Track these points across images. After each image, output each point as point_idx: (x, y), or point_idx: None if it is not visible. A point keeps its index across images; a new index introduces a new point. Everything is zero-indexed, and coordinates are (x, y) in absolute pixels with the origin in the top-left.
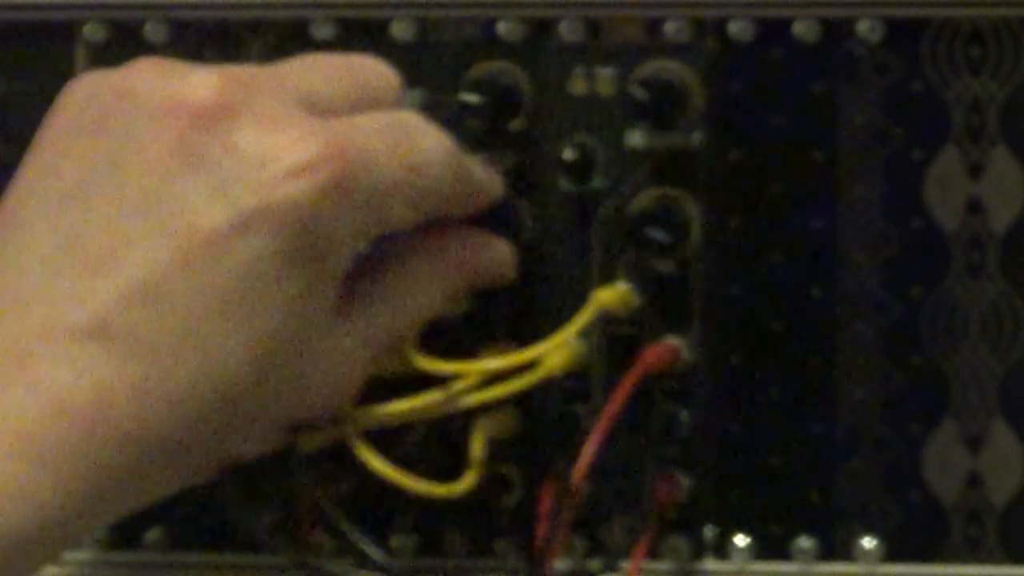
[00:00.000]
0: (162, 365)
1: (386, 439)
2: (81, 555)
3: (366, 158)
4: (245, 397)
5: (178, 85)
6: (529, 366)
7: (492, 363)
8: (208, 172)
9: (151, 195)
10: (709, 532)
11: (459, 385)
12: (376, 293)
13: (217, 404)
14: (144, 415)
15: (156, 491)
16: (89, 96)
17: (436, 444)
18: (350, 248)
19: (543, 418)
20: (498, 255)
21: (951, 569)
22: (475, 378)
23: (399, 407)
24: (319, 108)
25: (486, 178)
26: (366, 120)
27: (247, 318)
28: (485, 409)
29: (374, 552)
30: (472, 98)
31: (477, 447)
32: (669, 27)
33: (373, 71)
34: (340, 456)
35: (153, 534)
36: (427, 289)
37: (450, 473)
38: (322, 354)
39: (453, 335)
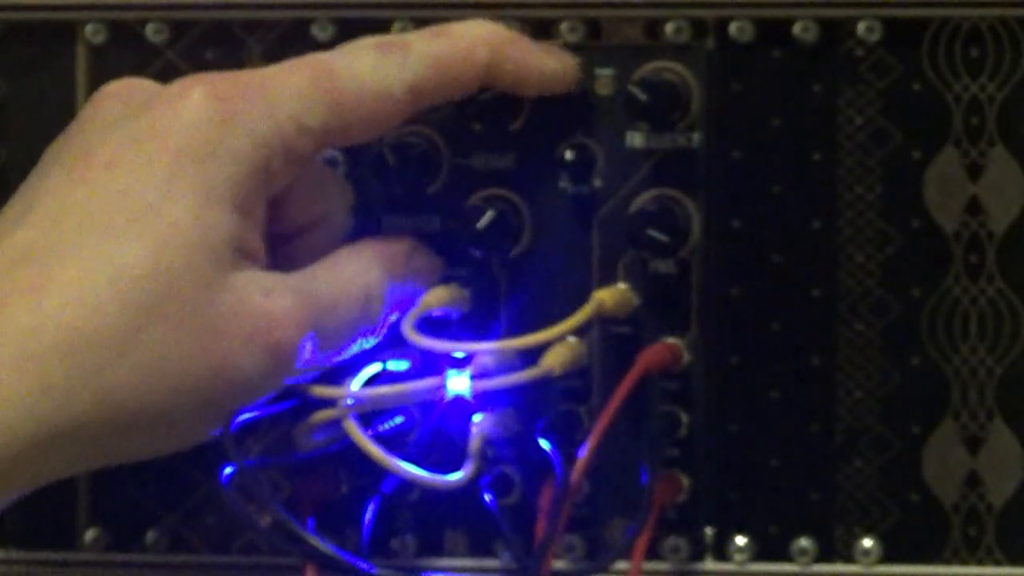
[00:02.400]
0: (59, 264)
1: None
2: (81, 555)
3: (251, 74)
4: (144, 287)
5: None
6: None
7: (486, 344)
8: (116, 120)
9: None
10: (709, 532)
11: (455, 372)
12: (317, 264)
13: (114, 293)
14: (42, 312)
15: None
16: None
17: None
18: (254, 154)
19: (543, 418)
20: (430, 272)
21: (950, 569)
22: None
23: (394, 389)
24: None
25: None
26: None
27: (140, 213)
28: (485, 409)
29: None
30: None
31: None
32: (669, 27)
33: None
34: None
35: (153, 535)
36: (370, 276)
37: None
38: (238, 280)
39: (453, 335)
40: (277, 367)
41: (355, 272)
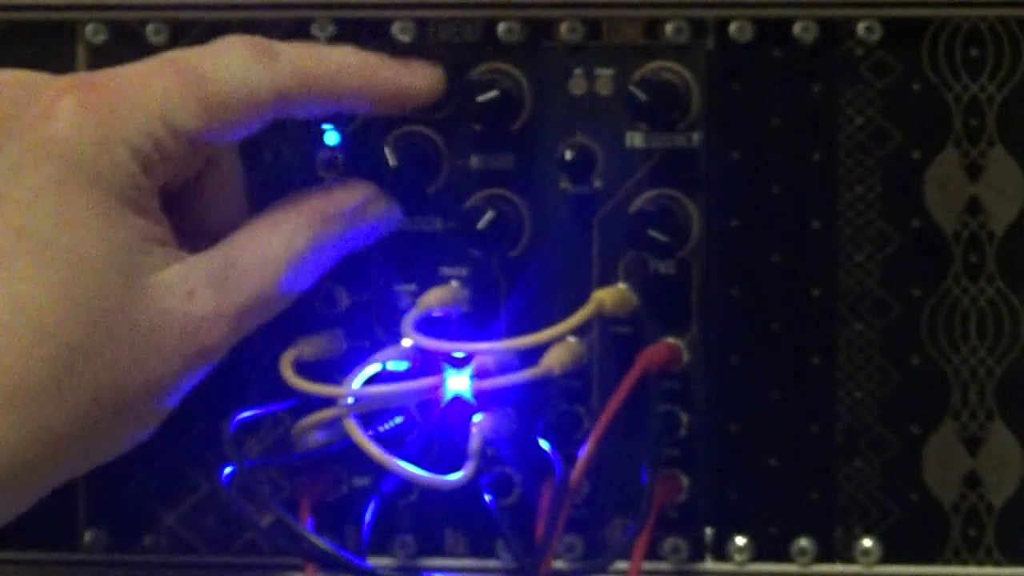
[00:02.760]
0: None
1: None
2: (81, 556)
3: (119, 78)
4: (67, 329)
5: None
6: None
7: (485, 344)
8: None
9: None
10: (709, 532)
11: (455, 372)
12: (235, 231)
13: (39, 340)
14: None
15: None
16: None
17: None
18: (132, 164)
19: (543, 418)
20: (373, 203)
21: (950, 569)
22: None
23: (393, 388)
24: None
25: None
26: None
27: (41, 249)
28: (485, 409)
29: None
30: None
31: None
32: (669, 27)
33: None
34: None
35: (153, 535)
36: (289, 229)
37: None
38: (157, 287)
39: (453, 335)
40: (207, 363)
41: (276, 246)
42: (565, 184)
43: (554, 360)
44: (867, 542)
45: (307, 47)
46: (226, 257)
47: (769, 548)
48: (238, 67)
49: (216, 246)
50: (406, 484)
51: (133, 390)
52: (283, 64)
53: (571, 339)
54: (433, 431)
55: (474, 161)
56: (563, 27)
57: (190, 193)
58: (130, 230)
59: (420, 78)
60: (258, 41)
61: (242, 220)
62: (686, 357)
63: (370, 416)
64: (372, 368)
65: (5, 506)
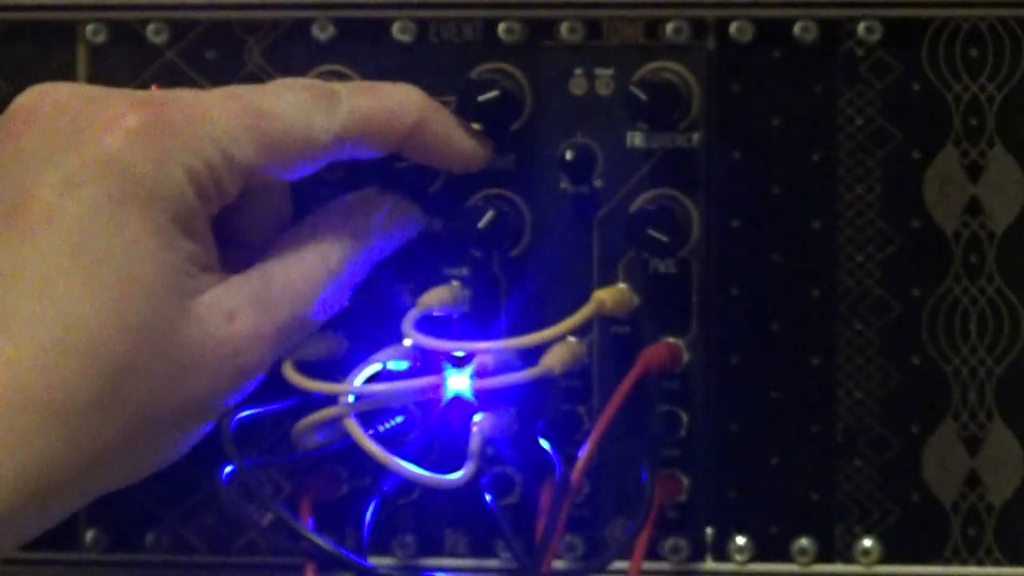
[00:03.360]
0: (23, 331)
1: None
2: (81, 556)
3: (183, 103)
4: (116, 349)
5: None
6: (528, 358)
7: (485, 344)
8: (44, 154)
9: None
10: (709, 532)
11: (455, 371)
12: (272, 251)
13: (89, 358)
14: (17, 382)
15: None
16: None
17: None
18: (188, 188)
19: (543, 418)
20: (404, 218)
21: (950, 569)
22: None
23: (394, 387)
24: None
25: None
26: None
27: (95, 267)
28: (485, 409)
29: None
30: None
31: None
32: (669, 27)
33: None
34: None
35: (153, 535)
36: (324, 247)
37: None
38: (201, 309)
39: (453, 334)
40: (247, 382)
41: (312, 264)
42: (565, 184)
43: (554, 360)
44: (867, 542)
45: (368, 86)
46: (264, 278)
47: (769, 548)
48: (300, 107)
49: (255, 267)
50: (406, 484)
51: (176, 409)
52: (343, 107)
53: (571, 339)
54: (433, 431)
55: None
56: (563, 27)
57: (237, 213)
58: (180, 252)
59: (470, 141)
60: (319, 84)
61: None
62: (686, 357)
63: (370, 415)
64: (372, 368)
65: (42, 520)
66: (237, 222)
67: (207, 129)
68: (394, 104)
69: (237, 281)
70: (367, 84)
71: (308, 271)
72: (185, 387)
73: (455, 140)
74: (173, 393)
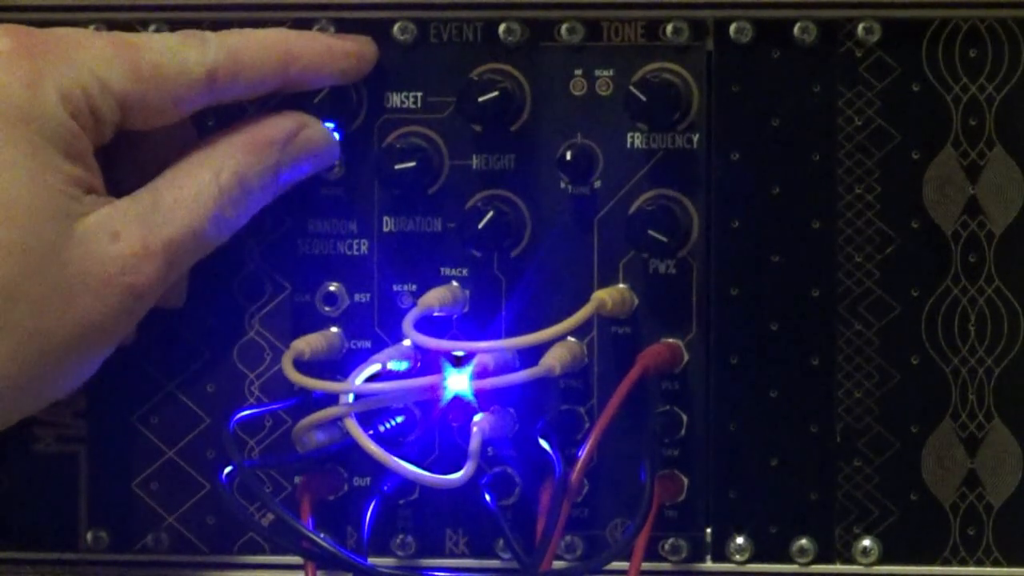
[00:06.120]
0: None
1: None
2: (82, 556)
3: (56, 33)
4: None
5: None
6: (528, 358)
7: (485, 344)
8: None
9: None
10: (709, 532)
11: (455, 371)
12: (166, 171)
13: None
14: None
15: None
16: None
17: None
18: (62, 109)
19: (543, 418)
20: (306, 131)
21: (949, 569)
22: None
23: (394, 386)
24: None
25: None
26: None
27: None
28: (485, 409)
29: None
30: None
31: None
32: (669, 28)
33: None
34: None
35: (153, 535)
36: (216, 163)
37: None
38: (85, 230)
39: (453, 334)
40: (137, 305)
41: (202, 179)
42: (565, 184)
43: (554, 360)
44: (867, 542)
45: (236, 30)
46: (153, 196)
47: (769, 548)
48: (171, 41)
49: (145, 187)
50: (406, 484)
51: (67, 333)
52: (212, 44)
53: (571, 339)
54: (433, 431)
55: (474, 161)
56: (563, 28)
57: (130, 144)
58: (60, 174)
59: (351, 43)
60: (190, 30)
61: None
62: (686, 357)
63: (370, 415)
64: (372, 368)
65: None
66: (129, 152)
67: (79, 55)
68: (261, 37)
69: (125, 202)
70: (236, 29)
71: (199, 187)
72: (73, 309)
73: (334, 51)
74: (62, 316)
